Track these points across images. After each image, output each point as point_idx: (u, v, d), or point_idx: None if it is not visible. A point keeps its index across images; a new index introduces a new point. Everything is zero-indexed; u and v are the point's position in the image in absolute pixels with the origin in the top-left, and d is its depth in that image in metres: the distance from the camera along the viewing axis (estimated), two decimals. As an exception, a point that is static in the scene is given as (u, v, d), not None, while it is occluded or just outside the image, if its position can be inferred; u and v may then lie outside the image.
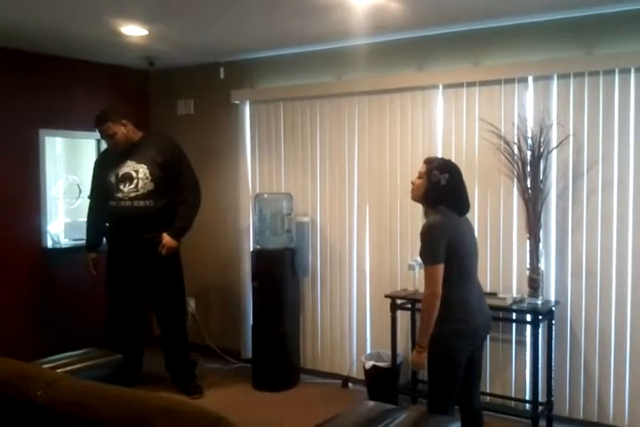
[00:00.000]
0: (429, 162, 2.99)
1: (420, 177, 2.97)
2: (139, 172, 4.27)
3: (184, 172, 4.36)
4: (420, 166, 3.12)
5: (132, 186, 4.26)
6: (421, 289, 4.01)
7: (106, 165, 4.44)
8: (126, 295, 4.45)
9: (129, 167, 4.30)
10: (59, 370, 2.50)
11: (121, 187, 4.28)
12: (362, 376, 4.42)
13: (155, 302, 4.48)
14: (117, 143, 4.33)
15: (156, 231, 4.26)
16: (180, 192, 4.32)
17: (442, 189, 2.90)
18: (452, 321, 2.83)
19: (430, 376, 2.93)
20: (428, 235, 2.82)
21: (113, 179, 4.32)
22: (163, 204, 4.28)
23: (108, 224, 4.49)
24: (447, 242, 2.80)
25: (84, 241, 4.63)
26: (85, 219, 4.62)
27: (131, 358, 4.27)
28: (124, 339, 4.43)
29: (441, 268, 2.78)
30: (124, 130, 4.30)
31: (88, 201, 4.62)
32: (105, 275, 4.50)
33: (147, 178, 4.26)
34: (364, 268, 4.61)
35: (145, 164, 4.28)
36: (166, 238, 4.26)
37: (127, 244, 4.36)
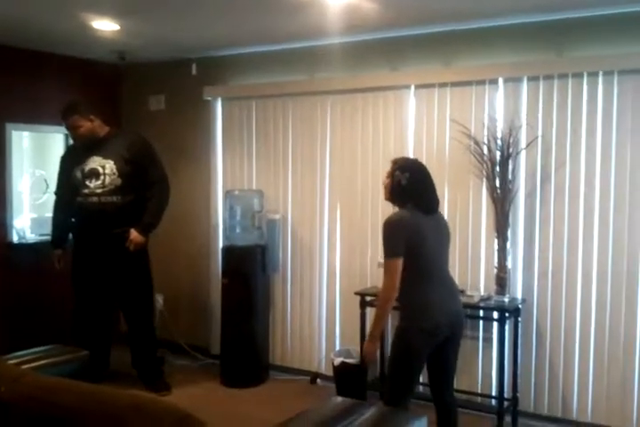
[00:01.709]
0: (394, 162, 3.06)
1: (387, 177, 3.04)
2: (105, 167, 4.23)
3: (152, 167, 4.32)
4: (390, 164, 3.14)
5: (99, 182, 4.22)
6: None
7: (72, 160, 4.39)
8: (93, 292, 4.40)
9: (95, 163, 4.25)
10: (24, 366, 2.47)
11: (87, 182, 4.24)
12: (330, 373, 4.43)
13: (121, 298, 4.44)
14: (80, 137, 4.29)
15: (123, 227, 4.22)
16: (148, 188, 4.29)
17: (403, 188, 2.95)
18: (412, 318, 2.90)
19: (389, 368, 3.01)
20: (385, 229, 2.89)
21: (79, 174, 4.27)
22: (130, 199, 4.24)
23: (74, 220, 4.44)
24: (406, 238, 2.85)
25: (50, 237, 4.57)
26: (51, 214, 4.56)
27: (97, 355, 4.23)
28: (90, 336, 4.38)
29: (399, 262, 2.83)
30: (90, 125, 4.25)
31: (54, 196, 4.56)
32: (71, 271, 4.45)
33: (114, 174, 4.22)
34: (335, 265, 4.63)
35: (112, 159, 4.23)
36: (134, 234, 4.22)
37: (94, 240, 4.31)
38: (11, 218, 4.84)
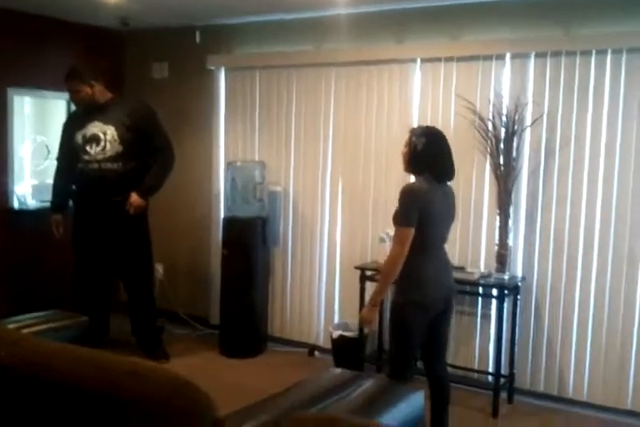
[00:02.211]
0: (411, 130, 3.04)
1: (405, 146, 3.00)
2: (106, 133, 4.19)
3: (156, 134, 4.30)
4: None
5: (100, 148, 4.19)
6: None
7: (73, 125, 4.36)
8: (92, 259, 4.41)
9: (96, 128, 4.21)
10: (23, 331, 2.48)
11: (87, 148, 4.21)
12: (328, 345, 4.46)
13: (121, 265, 4.45)
14: (79, 101, 4.28)
15: (124, 194, 4.20)
16: (151, 155, 4.26)
17: (419, 154, 2.92)
18: (408, 292, 2.90)
19: (390, 342, 3.04)
20: (402, 198, 2.87)
21: (80, 139, 4.24)
22: (131, 166, 4.22)
23: (75, 186, 4.42)
24: (419, 208, 2.83)
25: (50, 203, 4.56)
26: (52, 180, 4.55)
27: (97, 321, 4.25)
28: (90, 301, 4.39)
29: (411, 231, 2.82)
30: (90, 90, 4.21)
31: (56, 162, 4.54)
32: (71, 238, 4.45)
33: (115, 140, 4.19)
34: (335, 239, 4.62)
35: (113, 125, 4.20)
36: (134, 197, 4.20)
37: (94, 207, 4.30)
38: (12, 184, 4.82)
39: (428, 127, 3.10)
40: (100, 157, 4.19)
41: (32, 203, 4.95)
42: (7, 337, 1.85)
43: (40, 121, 5.21)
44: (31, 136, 5.07)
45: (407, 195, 2.86)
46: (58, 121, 4.97)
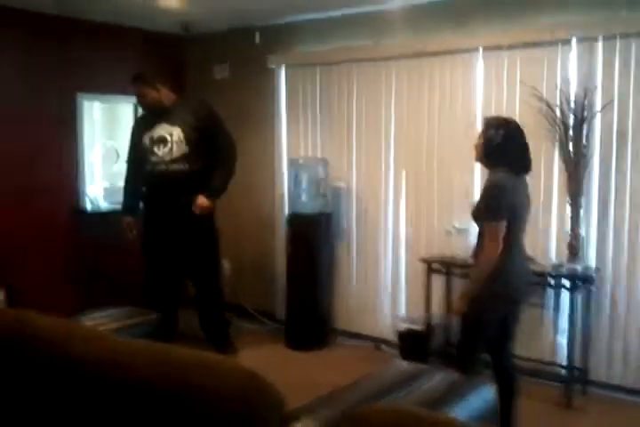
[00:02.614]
0: (485, 121, 2.99)
1: (479, 137, 2.95)
2: (173, 135, 4.25)
3: (220, 134, 4.34)
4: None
5: (167, 149, 4.25)
6: (458, 254, 4.02)
7: (141, 128, 4.45)
8: (162, 258, 4.48)
9: (163, 130, 4.28)
10: (97, 328, 2.55)
11: (155, 150, 4.27)
12: (395, 339, 4.43)
13: (190, 263, 4.50)
14: (146, 105, 4.38)
15: (192, 195, 4.26)
16: (215, 155, 4.31)
17: (497, 146, 2.86)
18: (499, 284, 2.84)
19: (461, 333, 3.01)
20: (491, 192, 2.84)
21: (147, 142, 4.32)
22: (198, 167, 4.27)
23: (144, 188, 4.51)
24: (507, 202, 2.80)
25: (121, 205, 4.65)
26: (123, 183, 4.64)
27: (167, 317, 4.34)
28: (160, 299, 4.47)
29: (503, 224, 2.79)
30: (156, 94, 4.29)
31: (126, 166, 4.63)
32: (141, 239, 4.54)
33: (181, 141, 4.24)
34: (400, 233, 4.59)
35: (179, 126, 4.26)
36: (201, 199, 4.25)
37: (162, 208, 4.37)
38: (84, 186, 4.99)
39: (504, 118, 3.01)
40: (167, 158, 4.25)
41: (104, 205, 5.10)
42: (83, 334, 1.91)
43: (109, 126, 5.37)
44: (101, 140, 5.23)
45: (497, 189, 2.83)
46: (126, 125, 5.11)
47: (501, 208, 2.79)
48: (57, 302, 4.61)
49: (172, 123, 4.28)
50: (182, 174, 4.26)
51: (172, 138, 4.26)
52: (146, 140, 4.34)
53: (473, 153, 3.02)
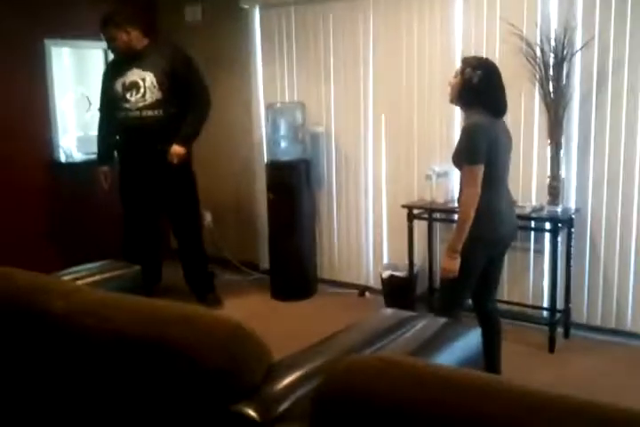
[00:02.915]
0: (464, 60, 2.90)
1: (455, 76, 2.87)
2: (145, 80, 4.14)
3: (193, 79, 4.24)
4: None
5: (140, 95, 4.15)
6: (438, 199, 4.01)
7: (113, 74, 4.31)
8: (141, 208, 4.44)
9: (135, 75, 4.16)
10: (77, 282, 2.52)
11: (128, 96, 4.16)
12: (379, 286, 4.46)
13: (170, 213, 4.48)
14: (116, 49, 4.23)
15: (167, 142, 4.17)
16: (189, 101, 4.22)
17: (475, 87, 2.80)
18: (479, 228, 2.78)
19: (443, 280, 2.95)
20: (468, 135, 2.77)
21: (119, 87, 4.19)
22: (172, 113, 4.18)
23: (118, 136, 4.40)
24: (487, 144, 2.74)
25: (96, 155, 4.57)
26: (96, 131, 4.54)
27: (149, 269, 4.32)
28: (141, 251, 4.45)
29: (481, 168, 2.73)
30: (126, 37, 4.14)
31: (98, 114, 4.52)
32: (118, 188, 4.48)
33: (154, 86, 4.14)
34: (380, 178, 4.55)
35: (152, 72, 4.14)
36: (175, 147, 4.17)
37: (138, 155, 4.29)
38: (57, 137, 4.85)
39: (483, 59, 2.95)
40: (140, 104, 4.15)
41: (78, 155, 4.98)
42: (63, 288, 1.88)
43: (80, 72, 5.18)
44: (72, 88, 5.06)
45: (475, 131, 2.76)
46: (97, 72, 4.93)
47: (480, 151, 2.72)
48: (35, 258, 4.54)
49: (145, 68, 4.16)
50: (156, 121, 4.17)
51: (144, 83, 4.15)
52: (118, 86, 4.21)
53: (448, 92, 2.94)
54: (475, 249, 2.81)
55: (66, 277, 2.57)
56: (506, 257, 3.23)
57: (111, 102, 4.30)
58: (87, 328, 1.65)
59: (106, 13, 4.20)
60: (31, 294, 1.85)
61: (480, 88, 2.80)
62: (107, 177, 4.47)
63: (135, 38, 4.20)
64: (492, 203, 2.83)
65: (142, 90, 4.15)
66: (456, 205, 3.16)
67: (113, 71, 4.34)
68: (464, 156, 2.78)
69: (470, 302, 3.14)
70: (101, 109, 4.48)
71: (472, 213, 2.74)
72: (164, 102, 4.16)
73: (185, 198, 4.42)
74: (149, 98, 4.14)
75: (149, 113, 4.16)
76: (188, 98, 4.22)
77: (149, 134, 4.20)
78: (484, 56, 3.09)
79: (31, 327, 1.75)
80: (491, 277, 3.07)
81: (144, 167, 4.30)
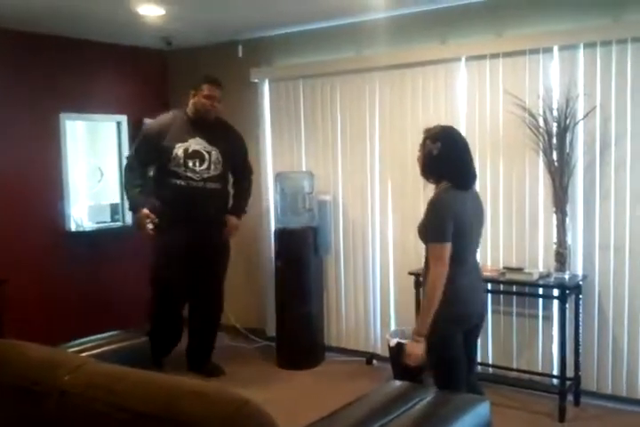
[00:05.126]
0: (426, 131, 2.76)
1: (419, 150, 2.77)
2: (211, 154, 4.18)
3: (246, 162, 4.46)
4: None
5: (204, 166, 4.15)
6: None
7: (169, 135, 4.14)
8: (180, 276, 4.26)
9: (199, 145, 4.16)
10: (85, 354, 2.51)
11: (191, 165, 4.11)
12: (386, 353, 4.40)
13: (203, 284, 4.37)
14: (212, 111, 4.20)
15: (221, 215, 4.29)
16: (238, 178, 4.42)
17: (436, 159, 2.67)
18: (444, 306, 2.60)
19: (433, 365, 2.74)
20: (433, 211, 2.64)
21: (181, 153, 4.11)
22: (226, 189, 4.33)
23: (168, 202, 4.14)
24: (453, 220, 2.59)
25: (129, 202, 4.28)
26: (124, 178, 4.36)
27: (172, 338, 4.38)
28: (172, 322, 4.40)
29: (448, 246, 2.57)
30: (218, 104, 4.22)
31: (130, 168, 4.27)
32: (156, 260, 4.27)
33: (218, 162, 4.20)
34: (387, 245, 4.57)
35: (217, 147, 4.20)
36: (233, 219, 4.31)
37: (193, 224, 4.15)
38: (68, 207, 4.92)
39: (443, 128, 2.80)
40: (205, 175, 4.16)
41: (88, 224, 5.04)
42: (70, 362, 1.88)
43: (92, 144, 5.30)
44: (84, 159, 5.18)
45: (440, 207, 2.64)
46: (109, 143, 5.07)
47: (446, 228, 2.57)
48: (44, 328, 4.54)
49: (211, 141, 4.19)
50: (218, 194, 4.25)
51: (210, 157, 4.17)
52: (178, 150, 4.11)
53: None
54: (447, 328, 2.64)
55: (73, 349, 2.57)
56: (514, 324, 3.17)
57: (160, 160, 4.15)
58: (95, 402, 1.64)
59: (209, 74, 4.31)
60: (39, 367, 1.85)
61: (441, 160, 2.67)
62: (150, 217, 4.14)
63: (220, 107, 4.26)
64: (459, 281, 2.65)
65: (207, 163, 4.16)
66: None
67: (169, 132, 4.15)
68: (430, 233, 2.65)
69: None
70: (136, 158, 4.24)
71: (438, 296, 2.58)
72: (222, 178, 4.25)
73: (222, 271, 4.45)
74: (213, 171, 4.18)
75: (212, 186, 4.19)
76: (238, 175, 4.41)
77: (210, 206, 4.21)
78: (449, 125, 2.97)
79: (38, 402, 1.74)
80: (468, 353, 2.83)
81: (195, 236, 4.17)
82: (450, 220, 2.59)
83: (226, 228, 4.32)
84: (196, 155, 4.13)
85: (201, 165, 4.13)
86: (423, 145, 2.74)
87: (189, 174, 4.12)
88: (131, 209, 4.33)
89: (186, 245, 4.18)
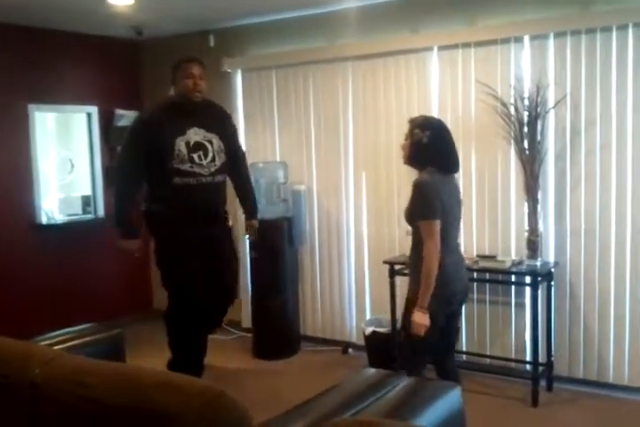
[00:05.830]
0: (412, 121, 2.92)
1: (405, 139, 2.93)
2: (212, 142, 3.70)
3: (239, 144, 4.08)
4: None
5: (209, 158, 3.67)
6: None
7: (165, 127, 3.61)
8: (200, 279, 3.77)
9: (198, 136, 3.67)
10: (57, 347, 2.49)
11: (197, 159, 3.62)
12: (362, 342, 4.43)
13: (223, 284, 3.91)
14: (199, 93, 3.66)
15: (224, 206, 3.89)
16: (235, 165, 3.91)
17: (425, 147, 2.83)
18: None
19: (405, 339, 2.88)
20: (420, 190, 2.78)
21: (183, 147, 3.60)
22: (225, 179, 3.86)
23: (174, 205, 3.65)
24: (439, 200, 2.76)
25: (122, 225, 3.72)
26: (118, 194, 3.73)
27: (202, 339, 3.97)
28: (199, 325, 3.92)
29: (438, 223, 2.74)
30: (204, 83, 3.70)
31: (122, 178, 3.73)
32: (173, 260, 3.73)
33: (221, 150, 3.73)
34: (362, 234, 4.59)
35: (216, 133, 3.73)
36: (255, 223, 4.06)
37: (208, 229, 3.72)
38: (39, 199, 4.86)
39: (429, 118, 3.00)
40: (212, 169, 3.68)
41: (59, 217, 4.98)
42: (41, 355, 1.86)
43: (63, 136, 5.23)
44: (55, 151, 5.11)
45: (426, 187, 2.77)
46: (80, 135, 5.00)
47: (434, 206, 2.73)
48: (18, 322, 4.48)
49: (208, 129, 3.71)
50: (223, 186, 3.81)
51: (212, 147, 3.69)
52: (180, 145, 3.59)
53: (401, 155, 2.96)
54: (434, 312, 2.76)
55: (45, 342, 2.55)
56: (487, 312, 3.23)
57: (161, 161, 3.59)
58: (66, 395, 1.63)
59: (192, 55, 3.86)
60: (10, 361, 1.83)
61: (431, 147, 2.83)
62: (139, 249, 3.83)
63: (204, 86, 3.72)
64: (444, 262, 2.78)
65: (211, 154, 3.68)
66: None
67: (165, 126, 3.61)
68: (419, 212, 2.78)
69: (432, 363, 3.05)
70: (132, 172, 3.66)
71: (436, 266, 2.72)
72: (226, 167, 3.79)
73: (237, 273, 4.08)
74: (218, 161, 3.72)
75: (220, 178, 3.74)
76: (235, 162, 3.92)
77: (220, 201, 3.82)
78: (433, 115, 3.14)
79: (10, 396, 1.73)
80: (450, 336, 3.02)
81: (209, 236, 3.74)
82: (437, 199, 2.74)
83: (247, 233, 4.12)
84: (199, 147, 3.64)
85: (206, 157, 3.64)
86: (411, 134, 2.87)
87: (197, 170, 3.62)
88: (121, 228, 3.72)
89: (199, 242, 3.69)
